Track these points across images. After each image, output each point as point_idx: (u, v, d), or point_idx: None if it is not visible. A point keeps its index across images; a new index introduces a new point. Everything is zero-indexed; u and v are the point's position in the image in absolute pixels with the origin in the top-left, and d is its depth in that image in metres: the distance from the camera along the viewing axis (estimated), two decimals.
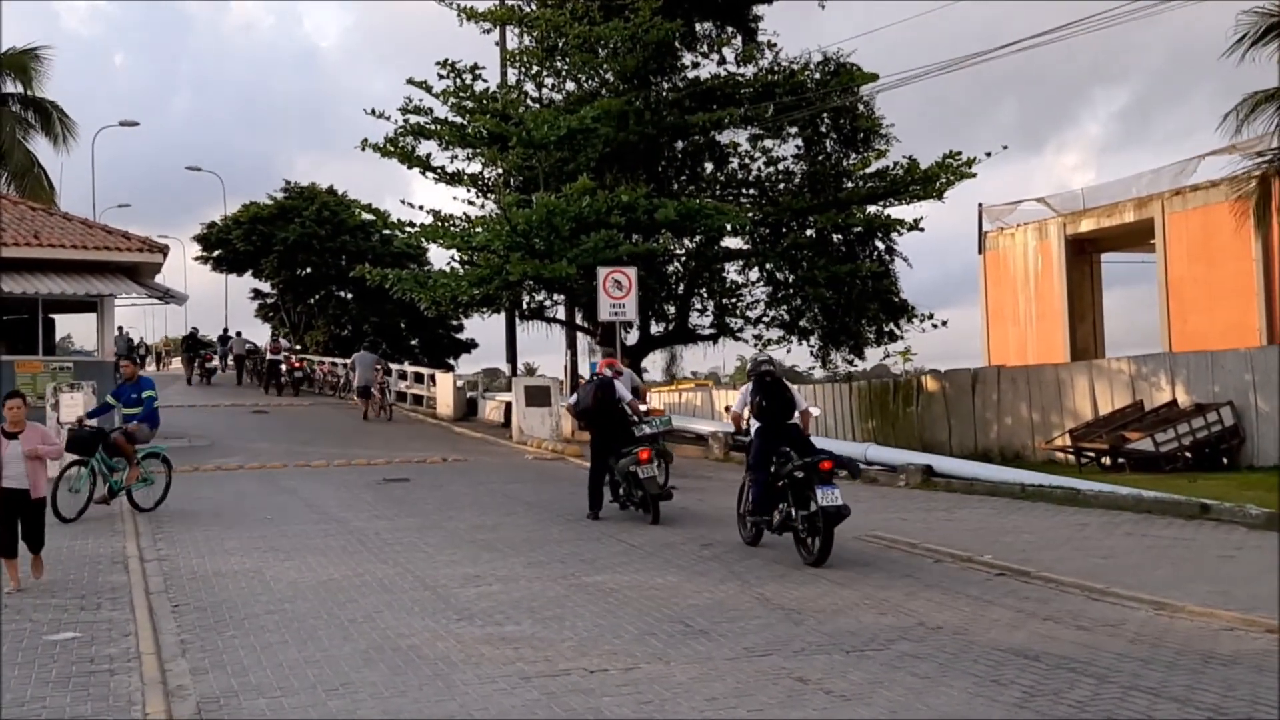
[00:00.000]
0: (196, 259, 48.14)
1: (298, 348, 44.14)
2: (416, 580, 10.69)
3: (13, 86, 41.70)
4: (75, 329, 43.10)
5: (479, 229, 25.11)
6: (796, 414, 12.23)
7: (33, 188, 38.51)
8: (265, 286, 49.53)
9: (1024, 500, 15.49)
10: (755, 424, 12.17)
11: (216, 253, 46.93)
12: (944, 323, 28.76)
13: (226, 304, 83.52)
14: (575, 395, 14.99)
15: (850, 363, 28.70)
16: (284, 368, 38.66)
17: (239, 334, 45.88)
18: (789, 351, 28.46)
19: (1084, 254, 40.20)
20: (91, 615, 9.50)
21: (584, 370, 41.24)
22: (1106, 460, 25.05)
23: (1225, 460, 23.84)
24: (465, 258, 26.20)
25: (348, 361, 35.08)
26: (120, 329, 46.95)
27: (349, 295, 46.56)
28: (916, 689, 7.02)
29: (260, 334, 49.77)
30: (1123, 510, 14.24)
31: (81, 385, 19.42)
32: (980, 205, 42.77)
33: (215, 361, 44.66)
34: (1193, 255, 33.93)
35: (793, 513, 11.42)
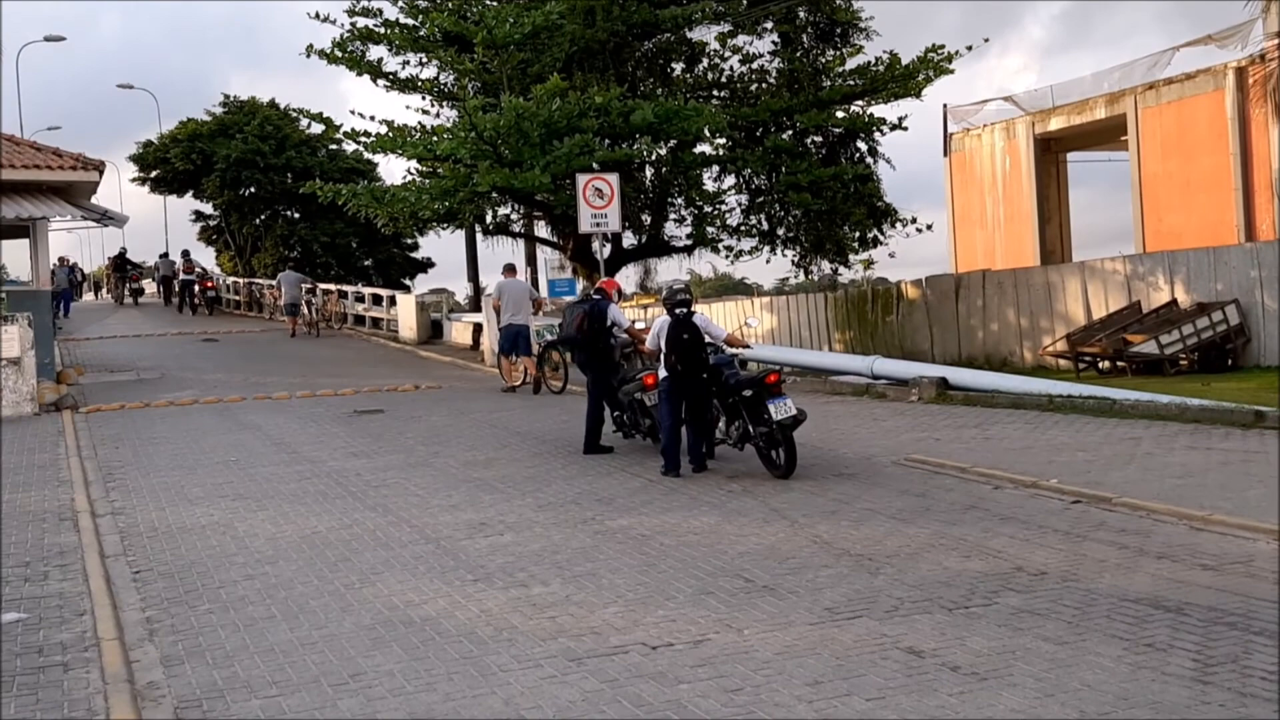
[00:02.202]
0: (133, 180, 45.75)
1: (213, 269, 45.52)
2: (415, 531, 9.32)
3: None
4: (10, 258, 41.19)
5: (442, 137, 23.36)
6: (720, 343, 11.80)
7: None
8: (208, 208, 47.29)
9: (1055, 413, 14.29)
10: (662, 371, 11.42)
11: (154, 173, 44.45)
12: (929, 226, 27.54)
13: (166, 227, 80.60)
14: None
15: (835, 271, 27.32)
16: (196, 288, 39.48)
17: (164, 255, 45.31)
18: (768, 262, 27.14)
19: (1050, 153, 39.16)
20: (38, 588, 8.05)
21: (544, 289, 39.99)
22: (1105, 365, 24.08)
23: (1230, 361, 22.93)
24: (426, 169, 24.48)
25: (274, 282, 36.14)
26: (62, 259, 44.95)
27: (296, 215, 44.49)
28: (1059, 660, 5.78)
29: (206, 258, 48.35)
30: (1167, 420, 13.06)
31: (15, 318, 17.71)
32: (945, 106, 41.51)
33: (143, 282, 44.29)
34: (1166, 151, 32.89)
35: (750, 430, 11.13)
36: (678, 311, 11.30)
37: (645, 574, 7.73)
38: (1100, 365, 24.22)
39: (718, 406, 11.68)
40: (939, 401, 15.88)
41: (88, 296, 53.56)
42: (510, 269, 19.78)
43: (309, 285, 33.09)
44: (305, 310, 31.58)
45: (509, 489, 10.90)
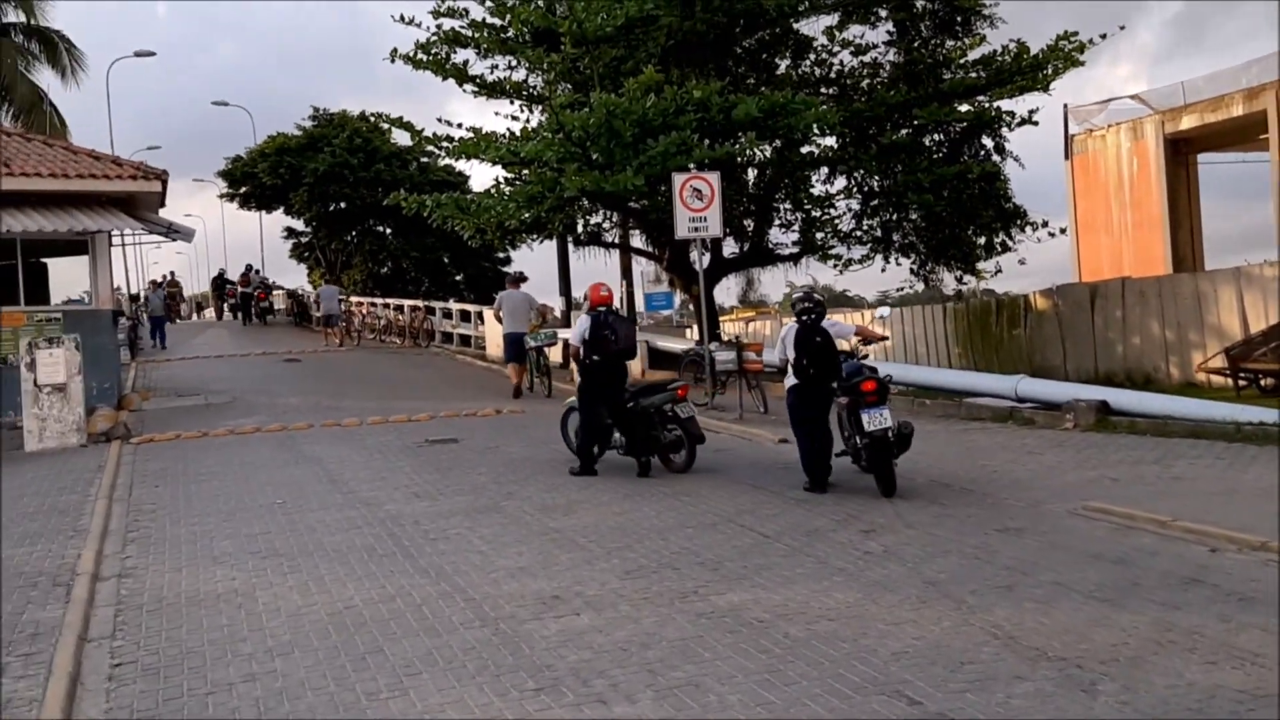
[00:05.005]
0: (221, 196, 44.97)
1: (274, 282, 47.45)
2: (470, 607, 7.37)
3: (14, 16, 38.56)
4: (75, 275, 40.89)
5: (528, 140, 21.53)
6: (851, 342, 11.47)
7: (41, 124, 35.47)
8: (299, 224, 46.36)
9: (1247, 444, 11.95)
10: (791, 380, 10.96)
11: (243, 189, 43.55)
12: (1061, 230, 25.02)
13: (262, 244, 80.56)
14: (577, 329, 12.62)
15: (960, 279, 24.88)
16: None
17: (221, 272, 49.15)
18: (884, 270, 24.81)
19: (1180, 155, 36.34)
20: None
21: (640, 303, 38.10)
22: (1268, 382, 21.38)
23: None
24: (512, 175, 22.69)
25: (314, 293, 39.99)
26: (154, 282, 44.74)
27: (387, 230, 43.20)
28: None
29: (298, 275, 48.87)
30: None
31: (63, 340, 16.23)
32: (1066, 106, 38.91)
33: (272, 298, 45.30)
34: None
35: (857, 440, 10.66)
36: (805, 318, 10.81)
37: (768, 687, 5.67)
38: (1263, 383, 21.50)
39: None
40: (1100, 429, 13.57)
41: (194, 318, 54.13)
42: (514, 280, 21.82)
43: (344, 299, 36.21)
44: (342, 322, 34.23)
45: (591, 545, 8.90)
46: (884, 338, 13.16)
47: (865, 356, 11.89)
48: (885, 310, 29.05)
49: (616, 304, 13.03)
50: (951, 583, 7.33)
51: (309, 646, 6.75)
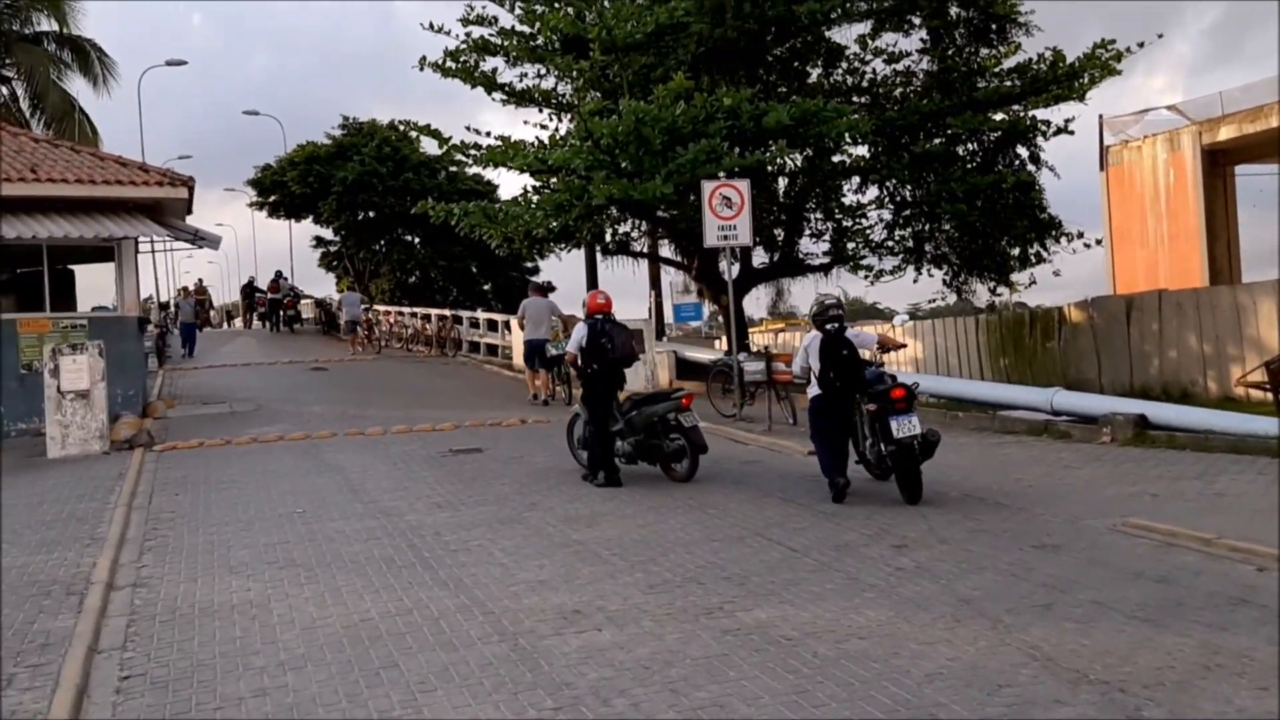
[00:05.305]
0: (250, 205, 45.00)
1: (304, 290, 47.99)
2: (489, 621, 7.15)
3: (47, 24, 38.82)
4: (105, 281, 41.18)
5: (556, 148, 21.34)
6: (872, 350, 11.58)
7: (73, 133, 35.63)
8: (328, 233, 46.37)
9: None
10: (814, 390, 10.95)
11: (272, 197, 43.58)
12: (1097, 241, 24.62)
13: (292, 253, 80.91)
14: (575, 337, 12.68)
15: (994, 290, 24.51)
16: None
17: (251, 280, 49.19)
18: (915, 282, 24.48)
19: (1218, 166, 35.84)
20: None
21: (668, 314, 37.83)
22: None
23: None
24: (540, 183, 22.51)
25: (337, 300, 40.34)
26: (184, 289, 45.05)
27: (415, 239, 43.16)
28: None
29: (327, 285, 49.32)
30: None
31: (87, 346, 16.15)
32: (1101, 117, 38.50)
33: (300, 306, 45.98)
34: None
35: (881, 448, 10.58)
36: (829, 327, 10.82)
37: (795, 709, 5.42)
38: None
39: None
40: (1138, 443, 13.24)
41: (224, 327, 54.56)
42: (536, 289, 22.60)
43: (366, 306, 36.73)
44: (362, 329, 34.65)
45: (614, 558, 8.67)
46: (903, 345, 13.03)
47: (883, 365, 11.92)
48: (903, 317, 28.75)
49: (618, 312, 12.86)
50: (987, 600, 7.06)
51: (322, 660, 6.56)
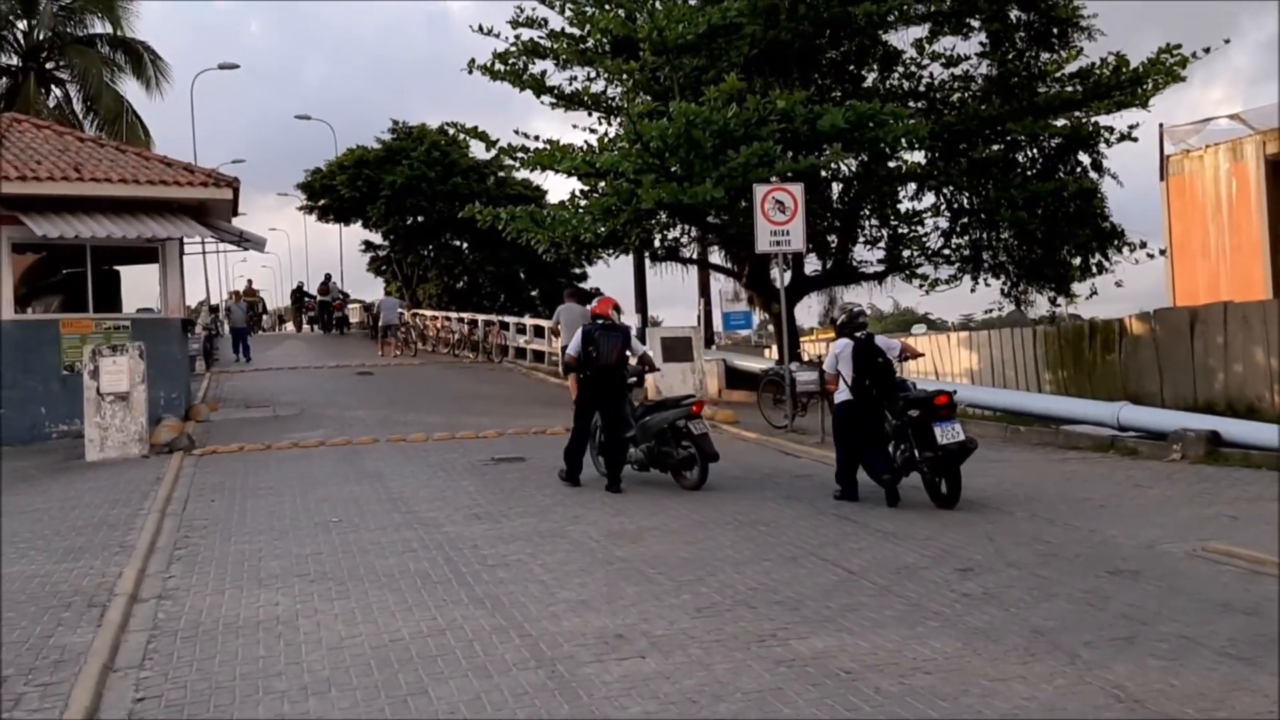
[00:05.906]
0: (300, 209, 45.05)
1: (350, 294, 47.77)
2: (526, 644, 6.72)
3: (101, 26, 39.03)
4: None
5: (604, 151, 20.94)
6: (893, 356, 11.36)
7: (124, 134, 35.76)
8: (377, 238, 46.29)
9: None
10: (844, 395, 11.10)
11: (321, 201, 43.53)
12: (1161, 251, 23.88)
13: (341, 258, 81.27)
14: (573, 342, 12.59)
15: (1053, 301, 23.83)
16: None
17: (300, 285, 50.23)
18: (973, 291, 23.83)
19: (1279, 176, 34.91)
20: None
21: (717, 322, 37.33)
22: None
23: None
24: (588, 186, 22.13)
25: (374, 303, 40.32)
26: (235, 293, 45.15)
27: (464, 244, 42.93)
28: None
29: (376, 289, 49.55)
30: None
31: (127, 348, 15.92)
32: (1161, 126, 37.59)
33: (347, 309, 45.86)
34: None
35: (915, 454, 10.64)
36: (858, 335, 11.06)
37: None
38: None
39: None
40: (1210, 461, 12.62)
41: (274, 331, 54.87)
42: (572, 294, 23.04)
43: (402, 309, 36.52)
44: (399, 332, 34.62)
45: (660, 577, 8.21)
46: (920, 354, 13.11)
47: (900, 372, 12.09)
48: (921, 328, 28.14)
49: (620, 318, 12.85)
50: (1062, 632, 6.54)
51: (347, 685, 6.15)
